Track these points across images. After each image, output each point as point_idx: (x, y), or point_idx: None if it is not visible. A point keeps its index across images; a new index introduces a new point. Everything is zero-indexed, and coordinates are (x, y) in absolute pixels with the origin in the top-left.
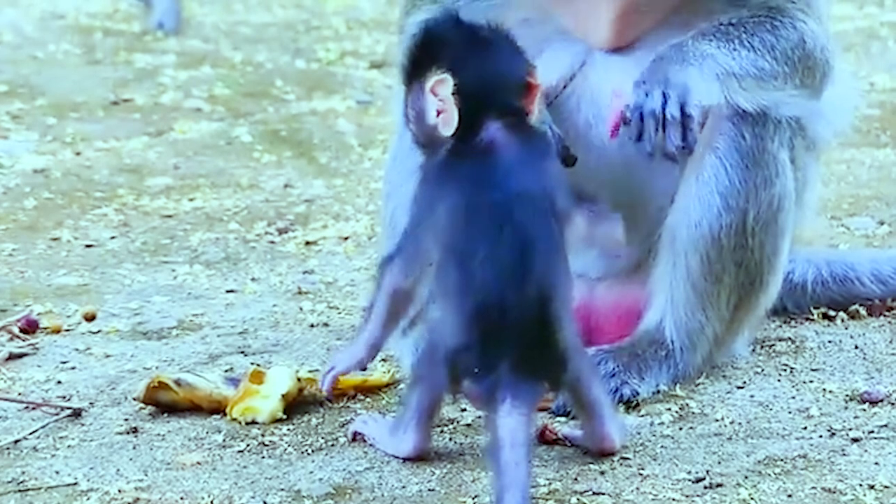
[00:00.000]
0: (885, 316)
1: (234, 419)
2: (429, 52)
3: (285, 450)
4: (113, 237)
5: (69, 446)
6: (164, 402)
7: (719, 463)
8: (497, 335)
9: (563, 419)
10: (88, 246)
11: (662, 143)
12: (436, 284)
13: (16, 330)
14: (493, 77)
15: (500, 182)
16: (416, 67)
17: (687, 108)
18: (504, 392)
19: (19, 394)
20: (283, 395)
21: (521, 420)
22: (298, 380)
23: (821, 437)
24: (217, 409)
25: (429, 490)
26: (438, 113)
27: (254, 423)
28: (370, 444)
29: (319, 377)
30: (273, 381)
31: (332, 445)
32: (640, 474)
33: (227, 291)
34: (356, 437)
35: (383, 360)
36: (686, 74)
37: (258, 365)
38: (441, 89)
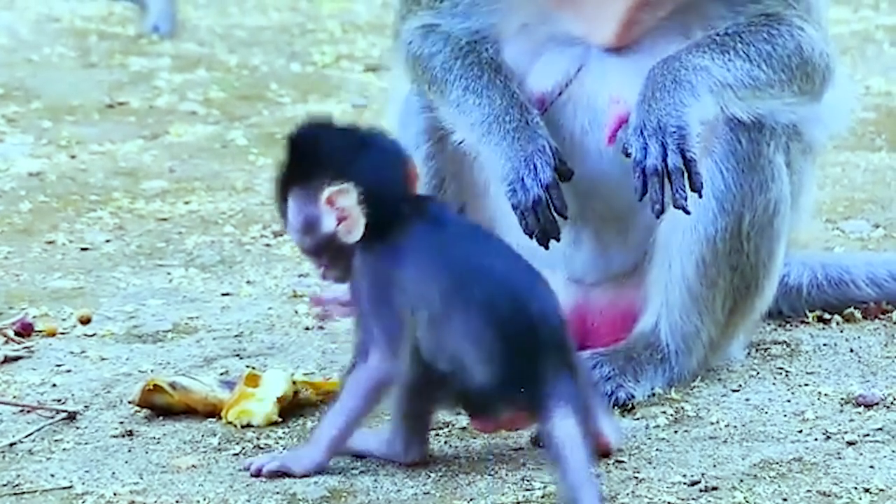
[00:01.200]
0: (879, 319)
1: (230, 422)
2: (315, 160)
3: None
4: (108, 240)
5: (64, 449)
6: (160, 406)
7: (714, 466)
8: (530, 350)
9: None
10: (84, 249)
11: (671, 197)
12: (437, 340)
13: (11, 333)
14: (390, 177)
15: (458, 231)
16: (299, 176)
17: (688, 152)
18: (556, 399)
19: (14, 397)
20: (278, 399)
21: (576, 421)
22: (294, 383)
23: (816, 440)
24: (212, 412)
25: (424, 493)
26: (339, 221)
27: (249, 426)
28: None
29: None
30: (268, 385)
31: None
32: (636, 477)
33: (223, 294)
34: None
35: None
36: (680, 109)
37: (253, 368)
38: (342, 199)
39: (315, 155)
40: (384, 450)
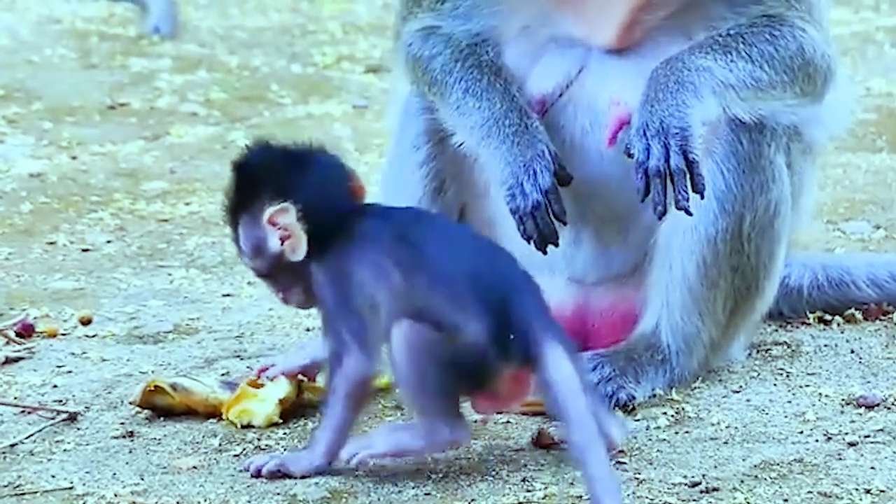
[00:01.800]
0: (880, 320)
1: (231, 423)
2: (255, 183)
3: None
4: (109, 241)
5: (65, 450)
6: (160, 407)
7: (715, 467)
8: (511, 300)
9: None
10: (84, 250)
11: (673, 199)
12: (408, 310)
13: (12, 334)
14: (329, 193)
15: (408, 217)
16: (243, 201)
17: (690, 153)
18: (547, 342)
19: (15, 398)
20: (279, 399)
21: (574, 364)
22: (300, 384)
23: (817, 441)
24: (213, 413)
25: (425, 494)
26: (282, 241)
27: (250, 426)
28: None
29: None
30: (269, 385)
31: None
32: (637, 478)
33: (224, 295)
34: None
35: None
36: (683, 110)
37: (251, 368)
38: (282, 218)
39: (255, 178)
40: (424, 444)
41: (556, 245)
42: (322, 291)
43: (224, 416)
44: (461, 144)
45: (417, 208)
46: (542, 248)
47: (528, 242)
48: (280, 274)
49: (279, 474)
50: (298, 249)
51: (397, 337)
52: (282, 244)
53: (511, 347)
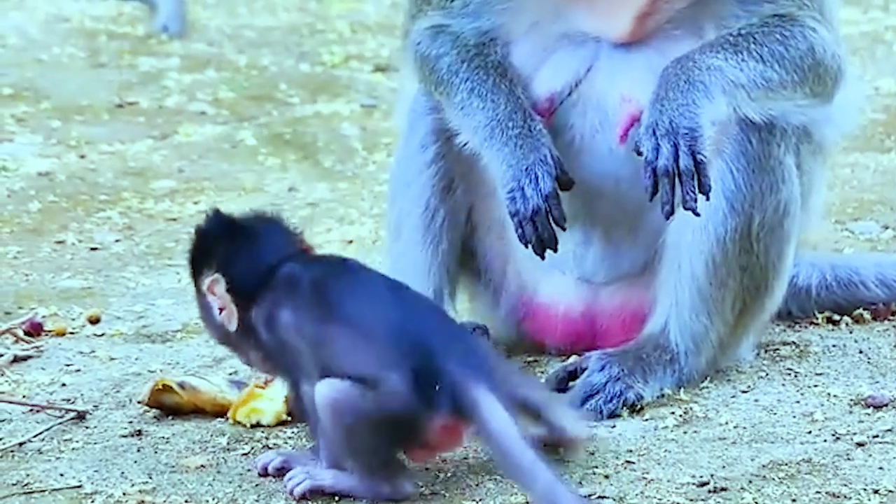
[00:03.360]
0: (889, 320)
1: (238, 422)
2: (199, 256)
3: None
4: (117, 240)
5: (74, 449)
6: (169, 405)
7: (724, 467)
8: (429, 350)
9: None
10: (93, 249)
11: (681, 199)
12: (328, 362)
13: (20, 333)
14: (258, 262)
15: (333, 266)
16: (194, 272)
17: (699, 154)
18: (475, 385)
19: (24, 396)
20: (287, 398)
21: (504, 410)
22: None
23: (825, 441)
24: (221, 412)
25: (433, 493)
26: (220, 310)
27: (258, 425)
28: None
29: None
30: (278, 384)
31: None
32: (645, 478)
33: None
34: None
35: None
36: (693, 110)
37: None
38: (216, 288)
39: (199, 249)
40: (367, 494)
41: (555, 250)
42: (261, 337)
43: (231, 418)
44: (465, 144)
45: (347, 259)
46: (539, 253)
47: (526, 246)
48: (231, 342)
49: (284, 471)
50: (232, 319)
51: (320, 397)
52: (220, 313)
53: (437, 397)
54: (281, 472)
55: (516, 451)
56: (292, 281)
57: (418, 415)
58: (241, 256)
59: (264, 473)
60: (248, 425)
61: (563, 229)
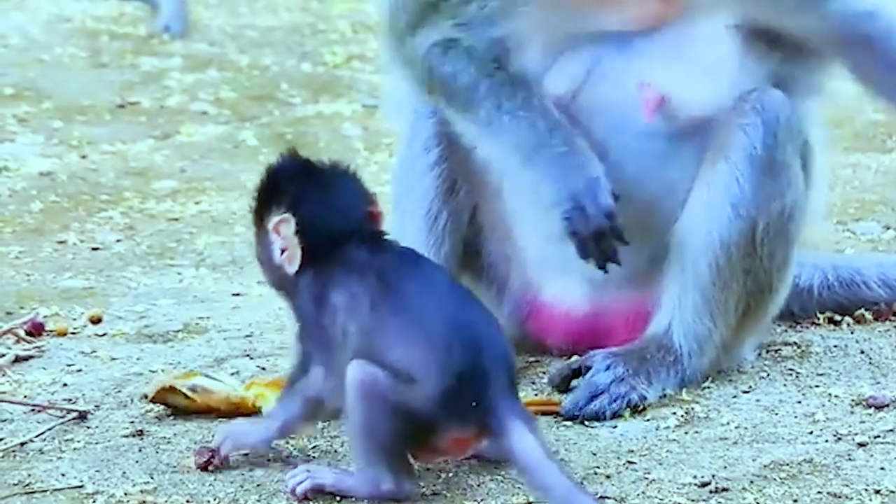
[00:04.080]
0: (890, 321)
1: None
2: (269, 193)
3: (291, 453)
4: (119, 240)
5: (75, 449)
6: (173, 405)
7: (725, 467)
8: (478, 367)
9: (569, 423)
10: (94, 249)
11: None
12: (372, 352)
13: (22, 333)
14: (333, 211)
15: (397, 259)
16: (260, 210)
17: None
18: (511, 415)
19: (25, 396)
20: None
21: (537, 436)
22: None
23: (826, 441)
24: (235, 411)
25: (434, 493)
26: (282, 251)
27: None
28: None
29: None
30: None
31: (338, 449)
32: (646, 479)
33: (233, 295)
34: (307, 497)
35: None
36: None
37: (264, 368)
38: (283, 228)
39: (270, 186)
40: (366, 492)
41: (619, 263)
42: (301, 303)
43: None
44: (489, 159)
45: (416, 251)
46: (602, 267)
47: (586, 261)
48: (286, 286)
49: (225, 448)
50: (293, 262)
51: (351, 375)
52: (282, 254)
53: (468, 414)
54: (224, 456)
55: (551, 481)
56: (358, 263)
57: (438, 425)
58: (315, 202)
59: (208, 459)
60: (251, 405)
61: (626, 244)
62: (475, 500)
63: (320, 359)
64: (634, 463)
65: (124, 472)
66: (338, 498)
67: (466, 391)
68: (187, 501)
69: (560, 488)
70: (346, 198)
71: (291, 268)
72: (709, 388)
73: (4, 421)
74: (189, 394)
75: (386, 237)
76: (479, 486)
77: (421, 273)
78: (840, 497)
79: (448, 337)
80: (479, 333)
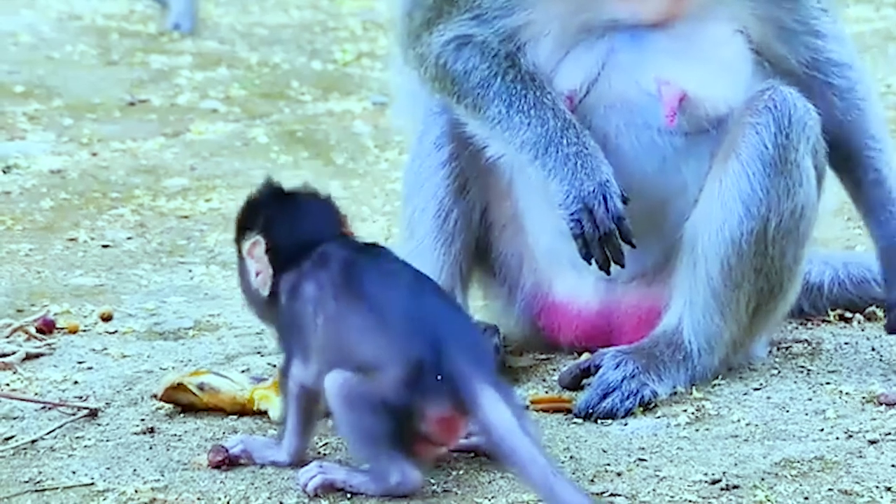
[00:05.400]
0: None
1: (255, 411)
2: (244, 220)
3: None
4: (129, 238)
5: (86, 446)
6: (182, 403)
7: (736, 465)
8: (438, 343)
9: (580, 420)
10: (105, 246)
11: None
12: (339, 344)
13: (33, 330)
14: (303, 231)
15: (365, 251)
16: (238, 237)
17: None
18: (481, 386)
19: (36, 394)
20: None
21: (514, 409)
22: None
23: (837, 439)
24: (240, 411)
25: (445, 491)
26: (257, 274)
27: (269, 421)
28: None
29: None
30: None
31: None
32: (657, 475)
33: None
34: (317, 493)
35: None
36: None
37: (274, 365)
38: (256, 250)
39: (244, 215)
40: (376, 489)
41: (623, 266)
42: (279, 311)
43: (250, 402)
44: (499, 157)
45: (380, 245)
46: (606, 270)
47: (590, 263)
48: (262, 310)
49: (243, 457)
50: (266, 284)
51: (329, 387)
52: (256, 277)
53: (437, 390)
54: (237, 458)
55: (515, 444)
56: (324, 257)
57: (414, 406)
58: (284, 223)
59: (222, 458)
60: (256, 409)
61: (634, 247)
62: (486, 498)
63: (298, 351)
64: (645, 460)
65: (135, 470)
66: (348, 495)
67: (429, 368)
68: (198, 499)
69: (535, 466)
70: (317, 219)
71: (264, 290)
72: (720, 385)
73: (15, 418)
74: (197, 392)
75: (353, 239)
76: (489, 483)
77: (383, 263)
78: (851, 494)
79: (405, 320)
80: (437, 314)
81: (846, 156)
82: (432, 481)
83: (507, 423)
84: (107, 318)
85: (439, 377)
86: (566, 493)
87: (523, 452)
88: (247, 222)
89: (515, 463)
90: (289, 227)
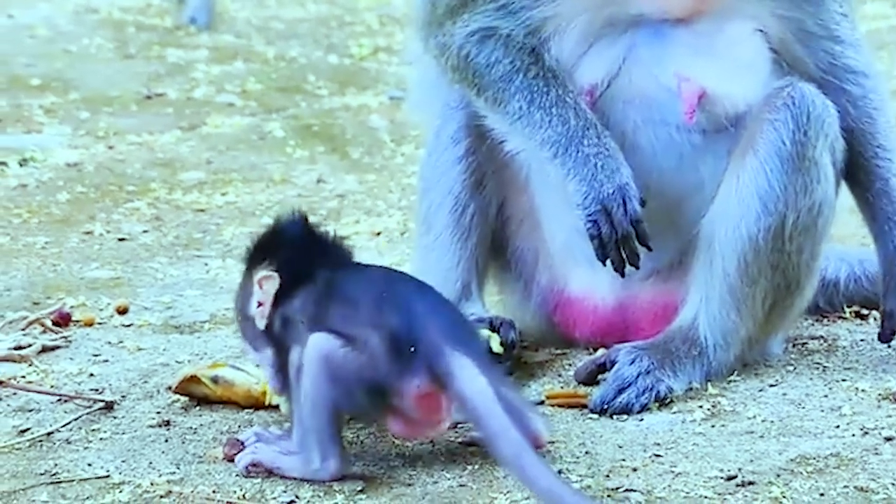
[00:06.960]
0: None
1: (269, 406)
2: (265, 246)
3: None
4: (145, 231)
5: (101, 439)
6: (197, 395)
7: (751, 461)
8: (411, 317)
9: (595, 416)
10: (121, 239)
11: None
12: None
13: (49, 323)
14: (312, 274)
15: (346, 265)
16: (253, 257)
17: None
18: (457, 358)
19: (52, 386)
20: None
21: (492, 381)
22: None
23: (853, 435)
24: (254, 405)
25: (460, 485)
26: (259, 305)
27: (283, 414)
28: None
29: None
30: None
31: (364, 440)
32: (672, 471)
33: None
34: (249, 471)
35: None
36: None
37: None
38: (266, 285)
39: (267, 241)
40: (298, 473)
41: (638, 267)
42: (274, 332)
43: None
44: (519, 152)
45: (367, 265)
46: (621, 271)
47: (605, 264)
48: (251, 337)
49: (260, 468)
50: (264, 317)
51: (311, 344)
52: (257, 307)
53: (412, 362)
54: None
55: (487, 414)
56: (311, 278)
57: (393, 378)
58: (302, 267)
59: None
60: (267, 403)
61: (650, 249)
62: (501, 492)
63: (283, 351)
64: (661, 456)
65: (150, 462)
66: (345, 489)
67: (403, 340)
68: (213, 492)
69: (505, 440)
70: (331, 262)
71: (261, 323)
72: (735, 381)
73: (31, 411)
74: (211, 385)
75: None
76: (505, 477)
77: (361, 268)
78: (867, 491)
79: (377, 299)
80: (410, 295)
81: (854, 163)
82: (447, 476)
83: (481, 395)
84: (123, 311)
85: (412, 349)
86: (535, 470)
87: (495, 425)
88: (266, 253)
89: (487, 436)
90: (305, 271)
